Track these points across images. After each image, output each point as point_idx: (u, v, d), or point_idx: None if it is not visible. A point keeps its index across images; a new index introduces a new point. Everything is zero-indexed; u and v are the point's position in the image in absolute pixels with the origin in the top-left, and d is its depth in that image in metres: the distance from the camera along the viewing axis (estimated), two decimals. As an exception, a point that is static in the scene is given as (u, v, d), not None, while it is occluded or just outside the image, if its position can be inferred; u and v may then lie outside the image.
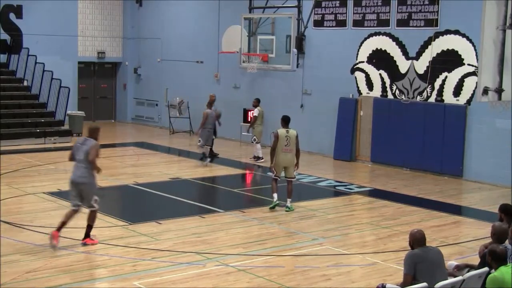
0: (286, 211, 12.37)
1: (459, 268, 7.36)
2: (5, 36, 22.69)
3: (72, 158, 9.96)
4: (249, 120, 20.21)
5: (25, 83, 22.23)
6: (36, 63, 22.09)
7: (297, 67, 18.87)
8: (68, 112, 21.78)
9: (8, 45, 22.71)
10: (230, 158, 18.31)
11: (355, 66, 18.18)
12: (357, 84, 18.16)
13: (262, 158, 17.64)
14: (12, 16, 23.03)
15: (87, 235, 9.92)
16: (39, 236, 10.21)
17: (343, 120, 18.24)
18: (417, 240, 6.87)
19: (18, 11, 23.10)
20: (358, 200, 13.65)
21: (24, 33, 23.08)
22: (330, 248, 10.13)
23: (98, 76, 26.01)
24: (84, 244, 9.84)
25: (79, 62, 24.81)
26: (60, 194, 13.21)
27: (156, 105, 24.84)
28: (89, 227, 9.93)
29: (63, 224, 9.69)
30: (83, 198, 9.79)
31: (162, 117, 24.43)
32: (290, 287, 8.42)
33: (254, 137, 17.94)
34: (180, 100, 22.62)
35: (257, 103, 18.16)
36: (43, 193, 13.29)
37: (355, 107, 18.07)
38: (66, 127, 21.27)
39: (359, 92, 18.13)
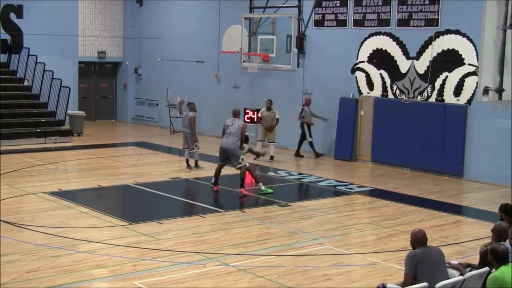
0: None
1: (463, 266, 7.35)
2: (5, 36, 22.70)
3: (223, 133, 13.71)
4: (248, 120, 20.22)
5: (26, 83, 22.24)
6: (36, 63, 22.09)
7: (298, 67, 18.88)
8: (69, 112, 21.78)
9: (8, 45, 22.71)
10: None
11: (356, 66, 18.17)
12: (357, 84, 18.16)
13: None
14: (12, 16, 23.04)
15: (242, 186, 13.45)
16: (40, 236, 10.22)
17: (343, 120, 18.23)
18: (418, 240, 6.86)
19: (18, 11, 23.10)
20: (359, 200, 13.65)
21: (24, 33, 23.08)
22: (331, 248, 10.13)
23: (99, 76, 26.02)
24: (241, 193, 13.34)
25: (79, 62, 24.82)
26: (60, 194, 13.21)
27: (157, 105, 24.84)
28: (242, 179, 13.45)
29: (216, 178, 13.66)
30: (230, 160, 13.54)
31: (162, 117, 24.43)
32: (290, 287, 8.41)
33: (274, 137, 18.03)
34: (180, 100, 22.61)
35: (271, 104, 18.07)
36: (44, 193, 13.28)
37: (356, 107, 18.06)
38: (66, 127, 21.28)
39: (360, 92, 18.12)
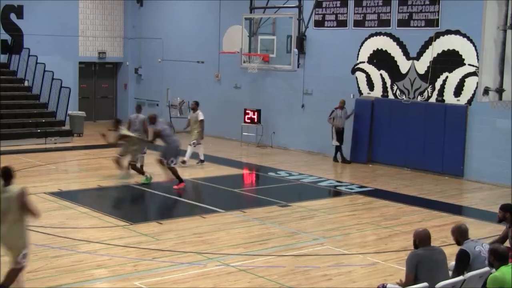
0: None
1: None
2: (6, 37, 22.71)
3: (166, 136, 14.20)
4: (248, 120, 20.24)
5: (26, 84, 22.24)
6: (37, 63, 22.10)
7: (298, 67, 18.89)
8: (69, 112, 21.79)
9: (9, 46, 22.71)
10: (230, 158, 18.31)
11: (356, 66, 18.17)
12: (358, 84, 18.15)
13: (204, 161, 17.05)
14: (13, 16, 23.05)
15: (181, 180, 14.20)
16: (40, 236, 10.22)
17: (361, 121, 17.89)
18: (422, 239, 6.87)
19: (19, 11, 23.10)
20: (359, 200, 13.65)
21: (25, 33, 23.09)
22: (331, 248, 10.13)
23: (99, 76, 26.02)
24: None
25: (80, 62, 24.83)
26: (60, 194, 13.21)
27: (157, 105, 24.83)
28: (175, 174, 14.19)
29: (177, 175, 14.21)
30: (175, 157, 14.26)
31: (163, 117, 24.40)
32: (290, 287, 8.42)
33: (194, 141, 16.66)
34: (181, 100, 22.61)
35: (197, 106, 16.92)
36: (44, 193, 13.28)
37: (372, 108, 17.71)
38: (67, 127, 21.29)
39: (360, 92, 18.12)
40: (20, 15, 23.11)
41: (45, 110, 21.46)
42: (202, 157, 16.97)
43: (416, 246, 6.91)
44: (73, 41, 24.38)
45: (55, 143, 19.97)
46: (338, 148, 17.87)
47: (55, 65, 22.11)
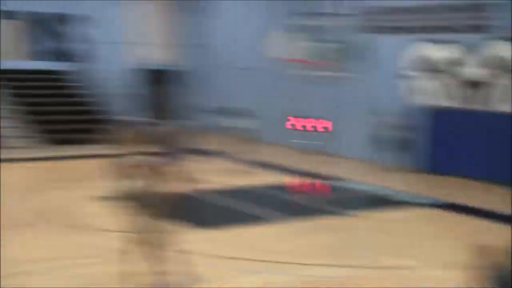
0: None
1: None
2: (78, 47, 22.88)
3: None
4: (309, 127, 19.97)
5: (92, 92, 22.59)
6: (99, 72, 22.66)
7: (353, 74, 18.45)
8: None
9: (75, 55, 22.96)
10: (289, 165, 17.76)
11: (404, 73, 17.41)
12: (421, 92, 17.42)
13: None
14: (81, 25, 23.13)
15: None
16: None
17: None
18: None
19: (87, 21, 23.05)
20: (435, 215, 12.88)
21: (93, 42, 22.97)
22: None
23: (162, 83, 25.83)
24: None
25: (143, 70, 24.47)
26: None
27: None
28: None
29: None
30: None
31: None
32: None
33: None
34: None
35: None
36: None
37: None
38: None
39: (427, 101, 17.30)
40: (89, 25, 23.07)
41: (104, 117, 21.60)
42: None
43: None
44: (136, 49, 24.04)
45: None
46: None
47: (114, 73, 22.54)
